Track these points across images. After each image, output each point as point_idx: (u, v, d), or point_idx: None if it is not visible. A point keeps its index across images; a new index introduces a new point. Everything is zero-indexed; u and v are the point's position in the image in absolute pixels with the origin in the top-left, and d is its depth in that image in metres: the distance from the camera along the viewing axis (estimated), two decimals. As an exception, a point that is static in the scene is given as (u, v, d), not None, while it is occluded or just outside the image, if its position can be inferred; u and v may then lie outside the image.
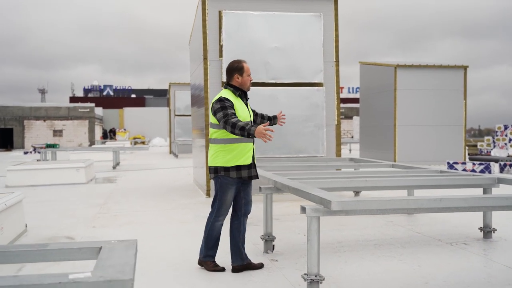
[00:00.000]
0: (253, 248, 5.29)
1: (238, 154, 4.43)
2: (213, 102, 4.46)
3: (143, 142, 47.91)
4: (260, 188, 5.11)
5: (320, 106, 9.39)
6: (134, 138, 48.91)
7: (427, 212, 3.77)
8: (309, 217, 3.67)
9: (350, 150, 28.76)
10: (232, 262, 4.52)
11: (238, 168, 4.42)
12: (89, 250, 2.45)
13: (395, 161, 16.76)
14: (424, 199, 3.66)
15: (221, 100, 4.40)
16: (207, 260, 4.57)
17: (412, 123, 17.03)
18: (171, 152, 27.28)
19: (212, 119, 4.47)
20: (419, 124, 17.08)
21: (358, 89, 75.21)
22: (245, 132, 4.16)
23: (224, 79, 9.16)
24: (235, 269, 4.48)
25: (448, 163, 14.25)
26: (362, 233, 6.07)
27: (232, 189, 4.45)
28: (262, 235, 5.15)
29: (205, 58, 9.38)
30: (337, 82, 9.75)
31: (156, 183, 12.21)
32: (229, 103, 4.38)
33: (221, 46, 9.32)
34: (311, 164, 7.77)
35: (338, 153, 9.77)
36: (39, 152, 21.47)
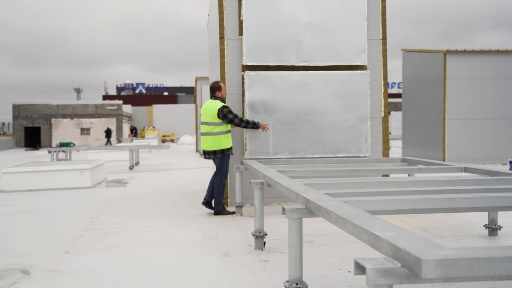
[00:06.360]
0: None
1: (231, 140, 6.96)
2: (217, 109, 6.64)
3: (172, 140, 46.68)
4: (283, 209, 3.33)
5: (363, 94, 7.56)
6: (163, 136, 47.72)
7: None
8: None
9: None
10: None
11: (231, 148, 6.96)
12: None
13: (444, 160, 14.71)
14: None
15: (226, 106, 6.71)
16: (224, 209, 6.87)
17: (464, 117, 14.95)
18: (197, 150, 25.65)
19: (215, 119, 6.67)
20: (473, 118, 14.98)
21: (394, 84, 72.29)
22: (255, 125, 6.88)
23: (245, 62, 7.46)
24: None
25: (511, 162, 12.15)
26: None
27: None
28: (287, 282, 3.37)
29: (222, 37, 7.67)
30: (384, 64, 7.90)
31: (171, 187, 10.59)
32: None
33: (241, 22, 7.61)
34: (353, 167, 5.95)
35: (386, 152, 7.94)
36: (63, 151, 19.79)
